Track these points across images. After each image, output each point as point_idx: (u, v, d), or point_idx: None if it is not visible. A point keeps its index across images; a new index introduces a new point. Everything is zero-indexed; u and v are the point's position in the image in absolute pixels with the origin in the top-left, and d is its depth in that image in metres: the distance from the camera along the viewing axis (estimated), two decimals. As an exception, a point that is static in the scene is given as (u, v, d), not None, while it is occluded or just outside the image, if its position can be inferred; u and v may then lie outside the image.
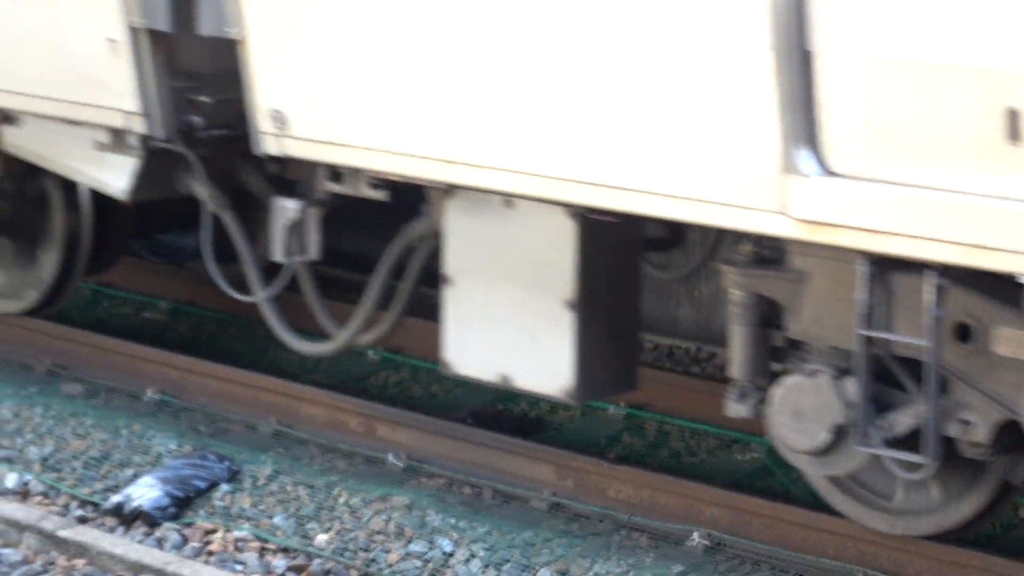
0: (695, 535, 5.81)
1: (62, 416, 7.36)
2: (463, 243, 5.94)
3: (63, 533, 6.02)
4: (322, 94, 5.59)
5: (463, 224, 6.00)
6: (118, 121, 5.70)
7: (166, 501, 6.33)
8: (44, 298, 7.21)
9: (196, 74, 5.88)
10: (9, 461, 6.98)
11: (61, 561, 5.87)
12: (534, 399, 7.94)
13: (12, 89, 5.95)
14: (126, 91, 5.59)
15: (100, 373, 8.03)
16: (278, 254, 5.93)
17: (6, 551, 6.10)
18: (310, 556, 6.06)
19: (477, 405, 7.78)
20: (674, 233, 6.50)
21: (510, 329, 5.63)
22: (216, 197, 6.28)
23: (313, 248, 6.07)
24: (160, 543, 6.05)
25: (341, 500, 6.44)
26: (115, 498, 6.36)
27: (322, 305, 6.22)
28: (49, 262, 7.23)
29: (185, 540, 6.11)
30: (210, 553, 6.01)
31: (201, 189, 6.17)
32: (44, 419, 7.31)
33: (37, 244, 7.20)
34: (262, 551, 6.02)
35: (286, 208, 5.82)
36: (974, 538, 5.92)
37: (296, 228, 5.85)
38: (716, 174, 4.77)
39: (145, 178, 6.00)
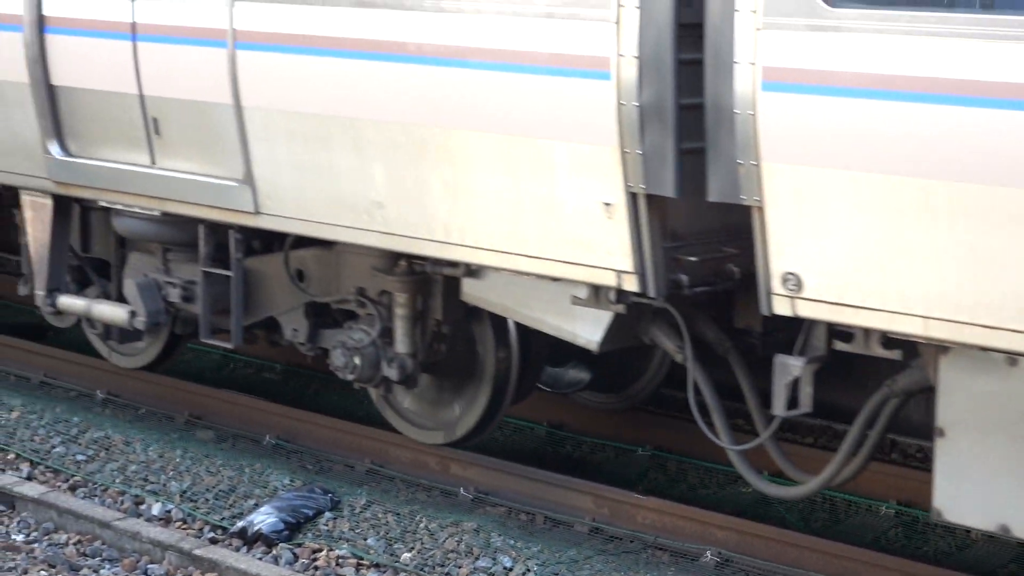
0: (708, 553, 6.09)
1: (197, 457, 7.63)
2: (959, 397, 5.43)
3: (198, 552, 6.36)
4: (839, 257, 5.05)
5: (960, 380, 5.47)
6: (608, 280, 5.23)
7: (281, 526, 6.63)
8: (470, 431, 6.67)
9: (681, 234, 5.41)
10: (155, 493, 7.30)
11: (196, 575, 6.25)
12: (577, 443, 8.10)
13: (483, 246, 5.50)
14: (619, 251, 5.16)
15: (228, 422, 8.31)
16: (779, 408, 5.37)
17: (152, 566, 6.50)
18: (396, 571, 6.34)
19: (530, 448, 8.02)
20: None
21: (1009, 481, 5.10)
22: (720, 342, 5.80)
23: (807, 402, 5.51)
24: (276, 560, 6.41)
25: (421, 525, 6.69)
26: (240, 523, 6.67)
27: (779, 450, 5.65)
28: (479, 397, 6.73)
29: (296, 557, 6.50)
30: (316, 568, 6.36)
31: (667, 341, 5.75)
32: (183, 460, 7.57)
33: (466, 380, 6.68)
34: (358, 567, 6.34)
35: (790, 365, 5.31)
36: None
37: (795, 383, 5.35)
38: None
39: (615, 330, 5.66)
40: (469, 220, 5.74)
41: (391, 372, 6.15)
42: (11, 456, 7.82)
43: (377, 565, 6.24)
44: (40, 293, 6.97)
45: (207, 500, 7.04)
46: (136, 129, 6.60)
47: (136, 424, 8.24)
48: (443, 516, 6.67)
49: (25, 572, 6.28)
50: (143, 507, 7.10)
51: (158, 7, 6.54)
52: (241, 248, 6.82)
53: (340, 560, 6.33)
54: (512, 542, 6.30)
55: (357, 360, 6.12)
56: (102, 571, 6.28)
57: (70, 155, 6.57)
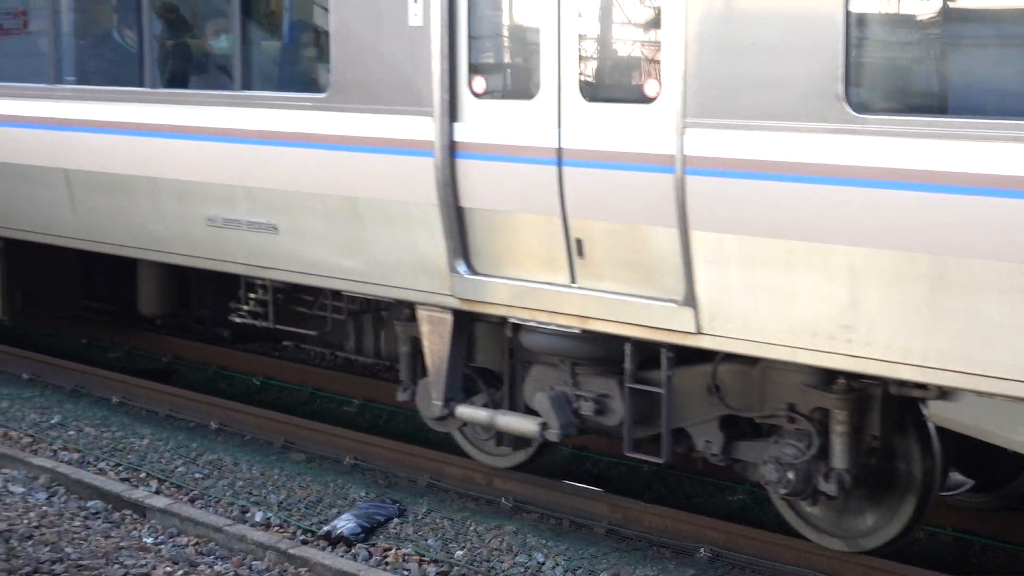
0: (701, 550, 6.36)
1: (291, 475, 7.94)
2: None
3: (292, 551, 6.64)
4: None
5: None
6: None
7: (358, 529, 6.93)
8: (886, 543, 5.73)
9: None
10: (257, 504, 7.68)
11: (291, 570, 6.57)
12: (598, 460, 8.23)
13: (971, 370, 4.70)
14: None
15: (315, 446, 8.56)
16: None
17: (256, 563, 6.85)
18: (452, 566, 6.63)
19: (559, 465, 8.08)
20: None
21: None
22: None
23: None
24: (355, 557, 6.74)
25: (471, 528, 6.99)
26: (325, 528, 6.96)
27: None
28: (902, 508, 5.85)
29: (371, 555, 6.82)
30: (387, 564, 6.73)
31: None
32: (279, 476, 7.92)
33: (886, 491, 5.84)
34: (420, 563, 6.67)
35: None
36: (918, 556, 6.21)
37: None
38: None
39: None
40: (959, 344, 4.99)
41: (828, 487, 5.43)
42: (143, 475, 8.17)
43: (436, 561, 6.54)
44: (438, 403, 6.39)
45: (299, 509, 7.34)
46: (556, 250, 5.87)
47: (242, 448, 8.55)
48: (488, 521, 6.90)
49: (154, 568, 6.62)
50: (248, 515, 7.41)
51: (589, 134, 5.80)
52: (672, 366, 5.93)
53: (405, 557, 6.63)
54: (544, 541, 6.59)
55: (791, 475, 5.40)
56: (215, 567, 6.58)
57: (476, 273, 5.99)
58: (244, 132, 6.69)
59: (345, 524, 6.85)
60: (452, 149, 5.81)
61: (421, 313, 6.27)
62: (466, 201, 5.92)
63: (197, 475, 8.03)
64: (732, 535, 6.55)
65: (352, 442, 8.31)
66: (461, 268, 5.89)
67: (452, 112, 5.86)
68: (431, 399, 6.42)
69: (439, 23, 6.18)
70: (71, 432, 9.09)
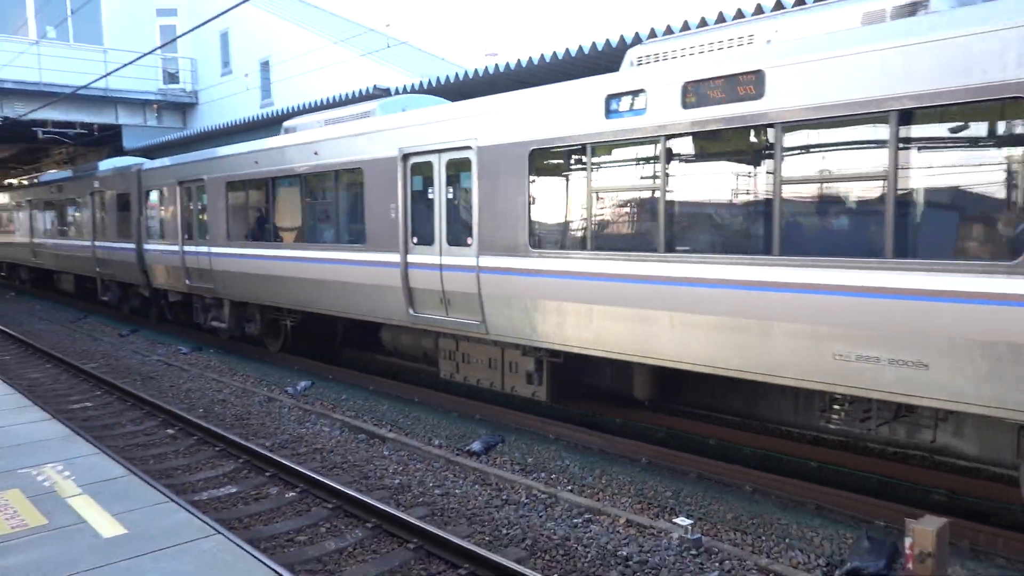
0: (643, 458, 7.77)
1: (452, 422, 9.27)
2: None
3: (452, 459, 8.02)
4: None
5: None
6: None
7: (482, 449, 8.35)
8: None
9: None
10: (436, 436, 8.88)
11: (452, 468, 7.86)
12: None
13: None
14: None
15: (465, 411, 9.84)
16: None
17: (435, 463, 7.90)
18: (525, 465, 7.69)
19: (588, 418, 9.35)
20: None
21: None
22: None
23: None
24: (482, 461, 7.99)
25: (534, 448, 8.17)
26: (467, 447, 8.35)
27: None
28: None
29: (489, 460, 8.02)
30: (496, 464, 7.97)
31: None
32: (446, 424, 9.23)
33: None
34: (511, 463, 7.94)
35: None
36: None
37: None
38: None
39: None
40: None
41: None
42: (383, 423, 9.62)
43: (519, 463, 8.03)
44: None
45: (456, 439, 8.85)
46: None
47: (429, 411, 9.80)
48: (542, 445, 8.41)
49: (387, 466, 8.00)
50: (432, 442, 8.90)
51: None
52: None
53: (504, 461, 8.12)
54: (569, 455, 7.99)
55: None
56: (415, 465, 7.94)
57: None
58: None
59: (476, 445, 8.41)
60: None
61: None
62: None
63: (409, 423, 9.64)
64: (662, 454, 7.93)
65: (480, 406, 9.82)
66: None
67: None
68: None
69: None
70: (350, 402, 10.89)
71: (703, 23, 9.09)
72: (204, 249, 13.91)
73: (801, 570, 5.42)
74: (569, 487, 7.35)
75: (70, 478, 5.55)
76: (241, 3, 9.26)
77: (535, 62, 11.42)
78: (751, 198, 6.01)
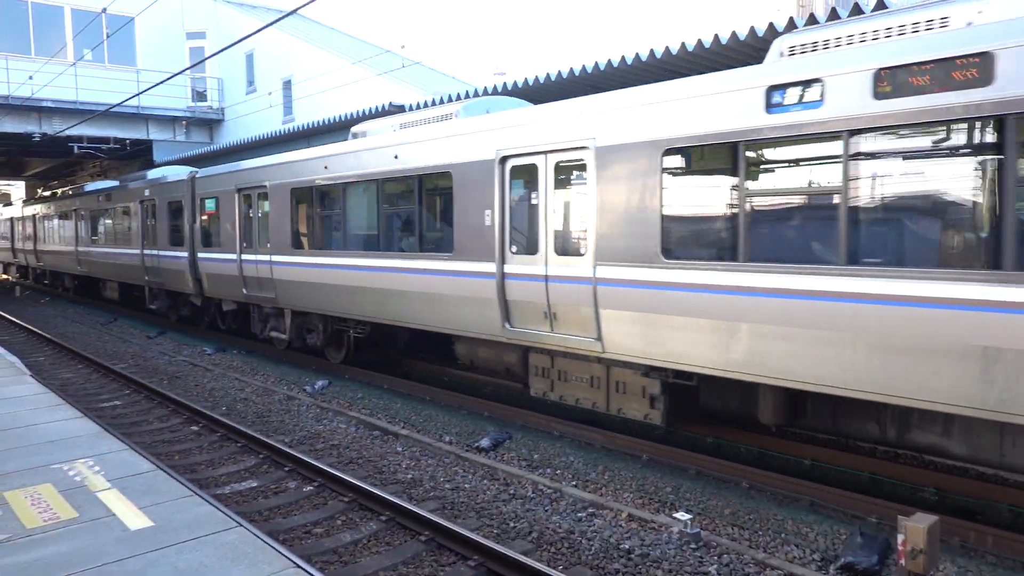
0: (644, 455, 7.69)
1: (461, 419, 9.07)
2: None
3: (462, 454, 7.89)
4: None
5: None
6: None
7: (491, 445, 8.21)
8: None
9: None
10: (446, 433, 8.70)
11: (462, 463, 7.76)
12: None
13: None
14: None
15: (473, 408, 9.67)
16: None
17: (446, 459, 7.80)
18: (531, 461, 7.57)
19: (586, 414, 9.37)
20: None
21: None
22: None
23: None
24: (490, 457, 7.87)
25: (540, 445, 7.99)
26: (476, 444, 8.21)
27: None
28: None
29: (497, 456, 7.91)
30: (503, 460, 7.82)
31: None
32: (456, 421, 9.08)
33: None
34: (518, 459, 7.79)
35: None
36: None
37: None
38: None
39: None
40: None
41: None
42: (396, 420, 9.41)
43: (525, 459, 7.93)
44: None
45: (465, 436, 8.79)
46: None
47: (444, 410, 9.54)
48: (548, 442, 8.28)
49: (400, 461, 7.87)
50: (443, 439, 8.73)
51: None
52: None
53: (511, 457, 8.05)
54: (572, 451, 7.86)
55: None
56: (426, 461, 7.80)
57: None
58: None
59: (485, 442, 8.32)
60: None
61: None
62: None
63: (421, 420, 9.54)
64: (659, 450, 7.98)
65: (489, 404, 9.65)
66: None
67: None
68: None
69: None
70: (366, 400, 10.78)
71: (882, 4, 7.56)
72: (265, 258, 12.78)
73: (796, 564, 5.30)
74: (573, 482, 7.26)
75: (100, 473, 5.53)
76: (265, 27, 9.12)
77: (629, 60, 9.99)
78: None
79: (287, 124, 23.31)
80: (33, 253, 27.80)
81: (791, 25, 8.34)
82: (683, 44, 9.33)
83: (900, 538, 4.38)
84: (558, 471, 7.57)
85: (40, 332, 17.91)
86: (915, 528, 4.34)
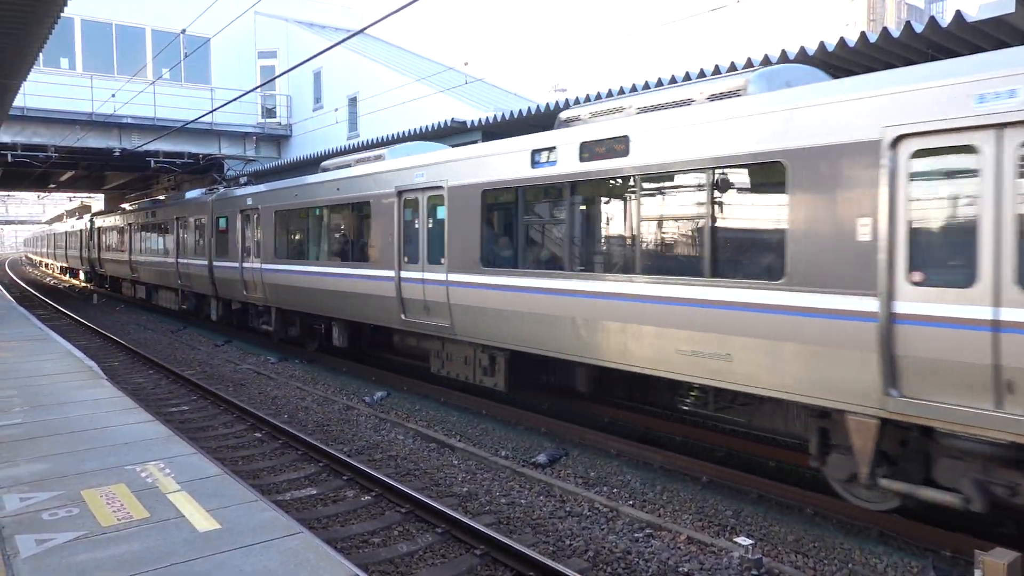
0: (703, 477, 7.59)
1: (519, 434, 9.18)
2: None
3: (519, 470, 7.87)
4: None
5: None
6: None
7: (547, 461, 8.21)
8: None
9: None
10: (503, 448, 8.92)
11: (518, 479, 7.74)
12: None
13: None
14: None
15: (530, 424, 9.98)
16: None
17: (501, 474, 7.85)
18: (588, 479, 7.61)
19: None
20: None
21: None
22: None
23: None
24: (547, 473, 7.86)
25: (597, 463, 8.03)
26: (533, 459, 8.23)
27: None
28: None
29: (553, 472, 7.89)
30: (559, 476, 7.81)
31: None
32: (512, 436, 9.15)
33: None
34: (574, 477, 7.78)
35: None
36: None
37: None
38: None
39: None
40: None
41: None
42: (453, 433, 9.47)
43: (582, 476, 7.91)
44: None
45: (521, 451, 8.84)
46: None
47: (500, 425, 9.68)
48: (604, 460, 8.27)
49: (456, 473, 7.93)
50: (499, 454, 8.78)
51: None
52: None
53: (568, 474, 8.03)
54: (630, 470, 7.91)
55: None
56: (486, 475, 7.78)
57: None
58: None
59: (541, 457, 8.38)
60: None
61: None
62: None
63: (477, 434, 9.66)
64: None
65: (546, 420, 9.70)
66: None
67: None
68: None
69: None
70: (423, 412, 10.83)
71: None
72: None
73: (864, 596, 5.17)
74: (631, 502, 7.21)
75: (170, 475, 5.66)
76: (334, 46, 9.46)
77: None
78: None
79: (351, 139, 23.76)
80: (98, 260, 32.37)
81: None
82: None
83: (977, 574, 4.23)
84: (615, 490, 7.55)
85: (114, 338, 18.64)
86: (994, 564, 4.20)
